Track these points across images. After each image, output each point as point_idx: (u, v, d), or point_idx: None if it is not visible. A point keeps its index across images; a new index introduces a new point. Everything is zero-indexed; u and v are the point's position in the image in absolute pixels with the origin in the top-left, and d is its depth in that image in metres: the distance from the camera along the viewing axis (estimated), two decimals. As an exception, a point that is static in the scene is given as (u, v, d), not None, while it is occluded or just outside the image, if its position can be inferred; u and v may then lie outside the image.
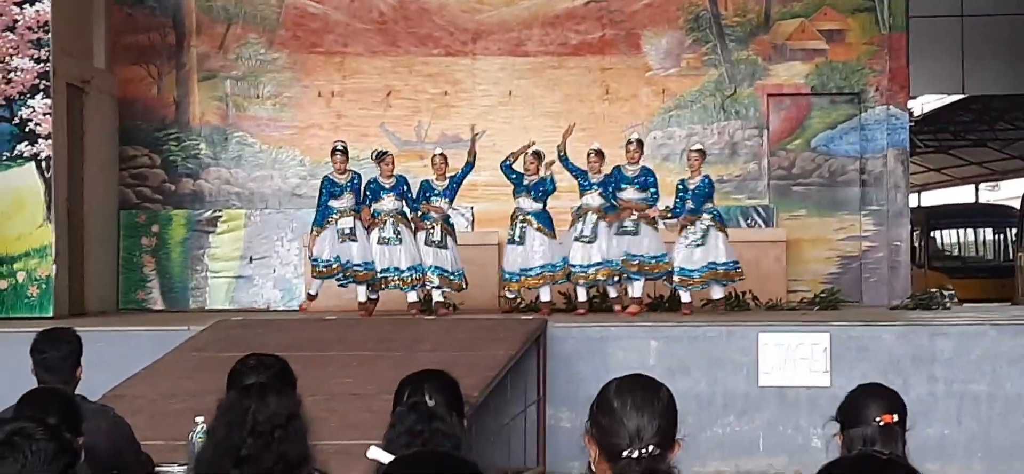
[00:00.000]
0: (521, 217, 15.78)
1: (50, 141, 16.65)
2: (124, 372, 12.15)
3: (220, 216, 19.46)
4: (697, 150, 16.33)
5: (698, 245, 15.81)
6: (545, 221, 15.83)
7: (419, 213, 15.80)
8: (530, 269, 15.74)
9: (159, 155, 19.58)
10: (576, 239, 15.82)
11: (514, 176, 15.91)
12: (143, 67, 19.59)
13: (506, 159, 15.97)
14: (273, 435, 4.54)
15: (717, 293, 16.04)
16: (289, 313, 18.04)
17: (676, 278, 15.85)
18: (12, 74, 16.66)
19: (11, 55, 16.67)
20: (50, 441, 3.93)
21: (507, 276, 15.88)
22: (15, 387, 6.02)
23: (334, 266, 15.61)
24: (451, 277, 15.82)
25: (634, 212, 15.67)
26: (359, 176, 15.88)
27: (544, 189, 15.82)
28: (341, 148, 15.95)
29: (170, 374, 12.32)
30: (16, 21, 16.68)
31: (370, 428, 7.79)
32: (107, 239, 18.92)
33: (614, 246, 15.74)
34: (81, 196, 17.85)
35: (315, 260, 15.77)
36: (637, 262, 15.69)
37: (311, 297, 16.17)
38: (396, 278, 15.67)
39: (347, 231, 15.60)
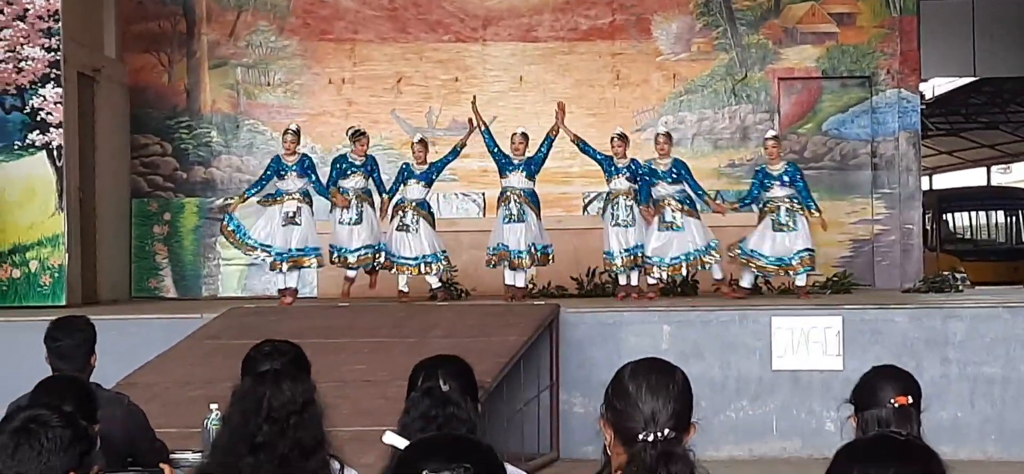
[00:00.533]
0: (515, 195, 15.75)
1: (61, 130, 16.66)
2: (137, 360, 12.18)
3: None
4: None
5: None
6: (536, 200, 15.84)
7: (390, 197, 15.86)
8: (539, 246, 15.75)
9: (170, 143, 19.60)
10: (613, 225, 15.84)
11: (502, 158, 15.90)
12: (154, 55, 19.60)
13: (488, 140, 16.01)
14: (288, 421, 4.55)
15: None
16: (301, 300, 18.04)
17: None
18: (23, 63, 16.66)
19: (22, 44, 16.67)
20: (66, 428, 3.95)
21: (514, 253, 15.73)
22: (30, 375, 6.03)
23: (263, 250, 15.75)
24: (418, 262, 15.74)
25: (667, 207, 15.75)
26: (308, 158, 15.94)
27: (535, 166, 15.83)
28: (294, 129, 16.04)
29: (183, 362, 12.34)
30: (26, 10, 16.68)
31: (384, 414, 7.81)
32: (119, 227, 18.94)
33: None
34: (93, 185, 17.86)
35: (248, 236, 15.81)
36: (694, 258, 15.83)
37: (291, 291, 16.10)
38: (344, 257, 15.75)
39: (291, 214, 15.65)
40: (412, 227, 15.77)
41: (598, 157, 16.09)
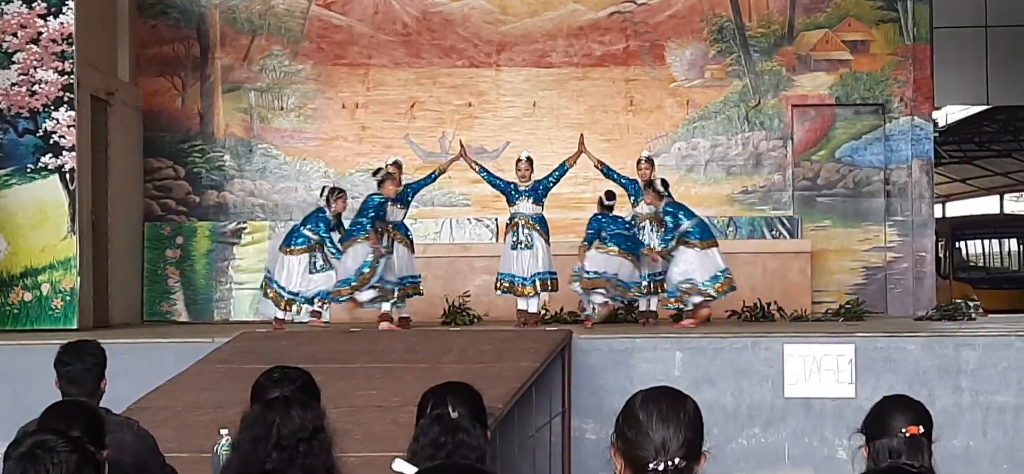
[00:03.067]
0: (523, 222, 15.75)
1: (74, 153, 16.68)
2: (148, 384, 12.16)
3: (244, 228, 19.49)
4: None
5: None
6: (544, 226, 15.84)
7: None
8: (542, 273, 15.72)
9: (183, 167, 19.62)
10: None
11: (506, 187, 15.90)
12: (167, 79, 19.64)
13: (480, 169, 16.04)
14: (298, 449, 4.54)
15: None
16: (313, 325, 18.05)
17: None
18: (36, 86, 16.69)
19: (35, 67, 16.71)
20: (73, 453, 3.94)
21: (519, 281, 15.73)
22: (40, 399, 6.03)
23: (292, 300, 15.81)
24: (391, 285, 15.69)
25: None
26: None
27: (543, 190, 15.84)
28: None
29: (194, 386, 12.32)
30: (40, 33, 16.72)
31: (395, 440, 7.78)
32: (131, 251, 18.95)
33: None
34: (105, 208, 17.88)
35: (277, 282, 15.84)
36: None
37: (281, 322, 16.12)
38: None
39: (320, 264, 15.79)
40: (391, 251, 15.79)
41: (623, 181, 16.09)
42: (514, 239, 15.75)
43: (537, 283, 15.68)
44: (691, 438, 3.83)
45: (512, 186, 15.90)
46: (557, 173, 16.02)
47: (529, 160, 15.96)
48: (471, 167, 16.23)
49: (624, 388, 12.87)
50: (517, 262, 15.72)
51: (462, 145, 16.51)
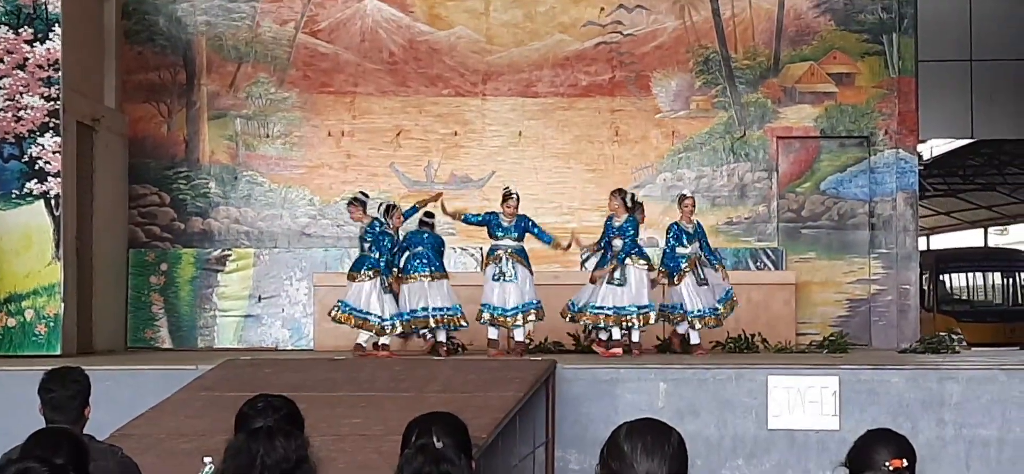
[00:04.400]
0: (507, 253, 15.79)
1: (59, 179, 16.66)
2: (132, 411, 12.12)
3: (229, 255, 19.48)
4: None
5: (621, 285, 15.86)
6: (525, 256, 15.92)
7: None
8: (525, 305, 15.78)
9: (168, 193, 19.61)
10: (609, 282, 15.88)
11: (488, 216, 15.96)
12: (153, 105, 19.64)
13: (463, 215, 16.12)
14: (282, 478, 4.53)
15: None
16: (298, 352, 18.04)
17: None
18: (22, 112, 16.67)
19: (21, 93, 16.69)
20: (57, 481, 3.92)
21: (500, 312, 15.78)
22: (23, 426, 6.00)
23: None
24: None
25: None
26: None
27: (524, 227, 15.90)
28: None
29: (178, 413, 12.29)
30: (26, 59, 16.71)
31: (379, 469, 7.79)
32: (116, 277, 18.92)
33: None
34: (90, 234, 17.85)
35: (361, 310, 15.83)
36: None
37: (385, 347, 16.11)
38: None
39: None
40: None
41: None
42: (496, 270, 15.78)
43: (521, 315, 15.72)
44: (676, 471, 3.83)
45: (495, 216, 15.93)
46: (543, 236, 16.10)
47: (518, 198, 16.01)
48: (459, 219, 16.30)
49: (608, 418, 12.87)
50: (500, 294, 15.76)
51: (442, 203, 16.44)
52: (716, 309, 16.30)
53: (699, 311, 16.23)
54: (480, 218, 16.11)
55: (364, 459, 10.09)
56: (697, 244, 16.43)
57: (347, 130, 19.72)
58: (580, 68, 19.74)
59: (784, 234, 19.55)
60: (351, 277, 15.94)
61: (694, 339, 16.30)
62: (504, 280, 15.73)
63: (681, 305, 16.22)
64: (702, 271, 16.33)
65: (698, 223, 16.66)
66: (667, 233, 16.56)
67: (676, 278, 16.28)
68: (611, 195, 16.20)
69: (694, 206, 16.66)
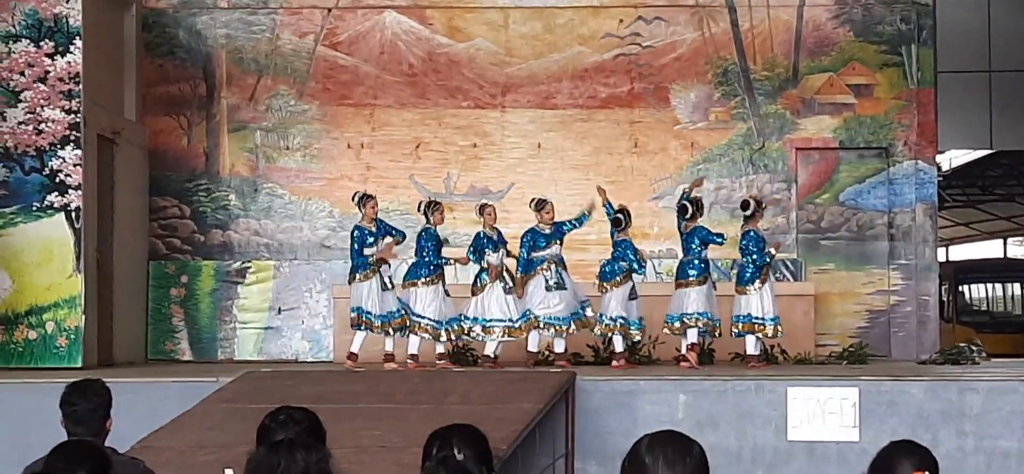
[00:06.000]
0: (554, 262, 15.84)
1: (80, 192, 16.71)
2: (153, 423, 12.16)
3: (249, 267, 19.51)
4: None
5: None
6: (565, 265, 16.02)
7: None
8: (579, 313, 15.87)
9: (189, 206, 19.65)
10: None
11: (533, 238, 15.96)
12: (173, 118, 19.69)
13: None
14: (303, 491, 4.54)
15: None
16: (318, 364, 18.07)
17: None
18: (43, 125, 16.73)
19: (42, 106, 16.75)
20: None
21: (555, 320, 15.80)
22: (45, 439, 6.03)
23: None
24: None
25: None
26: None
27: (560, 232, 15.97)
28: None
29: (199, 426, 12.32)
30: (47, 72, 16.78)
31: (398, 481, 7.79)
32: (136, 290, 18.97)
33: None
34: (111, 247, 17.89)
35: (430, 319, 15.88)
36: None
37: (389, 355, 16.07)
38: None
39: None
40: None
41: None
42: (545, 281, 15.81)
43: (574, 323, 15.81)
44: (696, 482, 3.83)
45: (536, 232, 15.95)
46: (580, 221, 16.17)
47: (552, 205, 16.06)
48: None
49: (628, 430, 12.88)
50: (554, 302, 15.78)
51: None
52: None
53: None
54: (527, 246, 16.04)
55: (385, 471, 10.12)
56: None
57: (367, 142, 19.76)
58: (599, 80, 19.74)
59: (803, 245, 19.53)
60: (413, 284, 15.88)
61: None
62: (553, 288, 15.79)
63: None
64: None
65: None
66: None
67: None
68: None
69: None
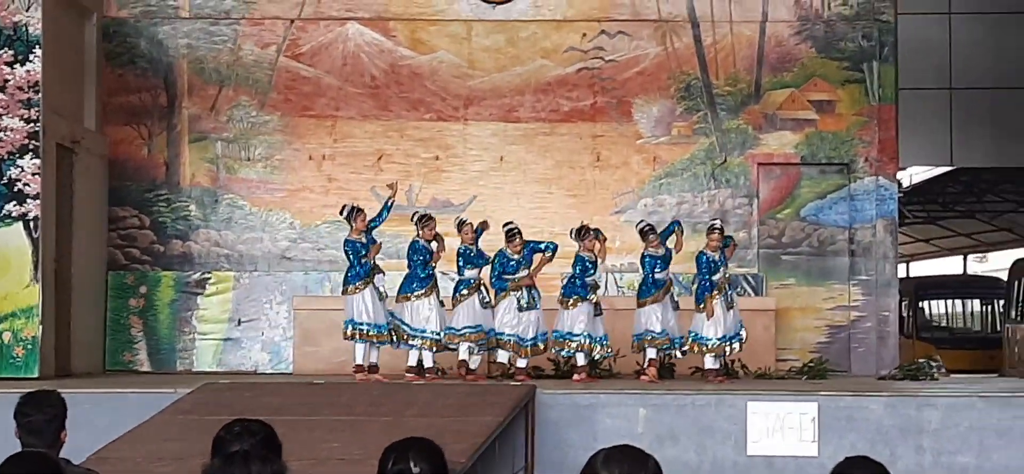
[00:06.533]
0: (526, 284, 15.89)
1: (38, 201, 16.62)
2: (110, 434, 12.10)
3: (209, 278, 19.43)
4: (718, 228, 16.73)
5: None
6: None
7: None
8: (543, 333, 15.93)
9: (148, 216, 19.56)
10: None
11: (504, 265, 15.97)
12: (134, 128, 19.60)
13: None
14: (257, 502, 4.51)
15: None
16: (278, 376, 18.01)
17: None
18: (2, 134, 16.63)
19: (1, 115, 16.65)
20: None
21: (524, 341, 15.84)
22: (0, 449, 5.98)
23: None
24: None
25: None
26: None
27: (530, 255, 16.02)
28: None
29: (156, 437, 12.27)
30: (7, 81, 16.68)
31: (356, 494, 7.76)
32: (95, 300, 18.87)
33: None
34: (69, 257, 17.80)
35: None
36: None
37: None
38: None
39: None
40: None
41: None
42: (522, 301, 15.84)
43: (542, 343, 15.85)
44: (652, 497, 3.83)
45: (503, 255, 15.97)
46: (549, 246, 16.22)
47: (521, 233, 16.10)
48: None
49: (587, 444, 12.86)
50: (523, 323, 15.79)
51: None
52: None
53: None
54: (499, 265, 16.07)
55: (342, 483, 10.08)
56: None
57: (328, 154, 19.71)
58: (562, 93, 19.75)
59: (764, 260, 19.58)
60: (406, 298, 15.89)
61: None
62: (528, 308, 15.82)
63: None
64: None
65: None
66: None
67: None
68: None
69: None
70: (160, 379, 17.19)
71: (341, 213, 16.24)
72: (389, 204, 16.13)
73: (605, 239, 16.35)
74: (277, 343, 19.21)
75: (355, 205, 16.18)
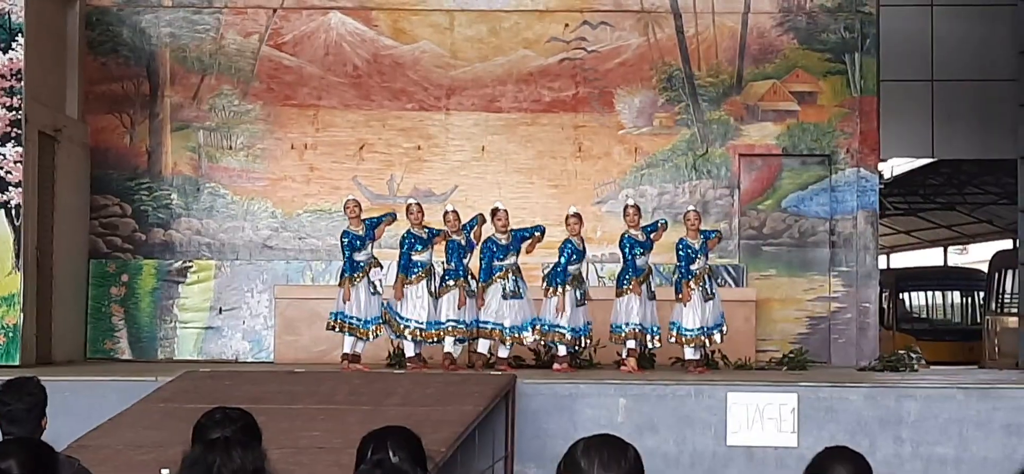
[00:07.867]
0: (511, 271, 15.89)
1: (20, 189, 16.60)
2: (91, 422, 12.10)
3: (190, 267, 19.42)
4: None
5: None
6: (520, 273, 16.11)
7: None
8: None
9: (130, 204, 19.54)
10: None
11: (493, 251, 15.97)
12: (116, 116, 19.57)
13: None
14: (238, 489, 4.52)
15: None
16: (258, 364, 18.00)
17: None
18: (-16, 121, 16.62)
19: (-17, 102, 16.63)
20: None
21: (512, 330, 15.87)
22: (-20, 437, 5.99)
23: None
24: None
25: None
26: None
27: (519, 241, 16.04)
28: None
29: (136, 425, 12.27)
30: (-11, 68, 16.66)
31: (336, 482, 7.78)
32: (76, 288, 18.85)
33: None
34: (50, 245, 17.78)
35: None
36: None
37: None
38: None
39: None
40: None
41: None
42: (505, 289, 15.86)
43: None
44: (631, 486, 3.84)
45: (496, 247, 15.97)
46: (536, 230, 16.24)
47: (506, 211, 16.11)
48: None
49: (567, 433, 12.87)
50: (510, 311, 15.79)
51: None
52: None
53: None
54: (486, 253, 16.09)
55: (322, 471, 10.10)
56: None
57: (310, 143, 19.70)
58: (544, 84, 19.77)
59: (745, 251, 19.61)
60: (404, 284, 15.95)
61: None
62: (512, 297, 15.83)
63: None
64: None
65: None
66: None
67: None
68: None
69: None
70: (141, 367, 17.19)
71: (345, 210, 16.26)
72: (384, 220, 16.16)
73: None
74: (258, 332, 19.20)
75: (353, 198, 16.30)
